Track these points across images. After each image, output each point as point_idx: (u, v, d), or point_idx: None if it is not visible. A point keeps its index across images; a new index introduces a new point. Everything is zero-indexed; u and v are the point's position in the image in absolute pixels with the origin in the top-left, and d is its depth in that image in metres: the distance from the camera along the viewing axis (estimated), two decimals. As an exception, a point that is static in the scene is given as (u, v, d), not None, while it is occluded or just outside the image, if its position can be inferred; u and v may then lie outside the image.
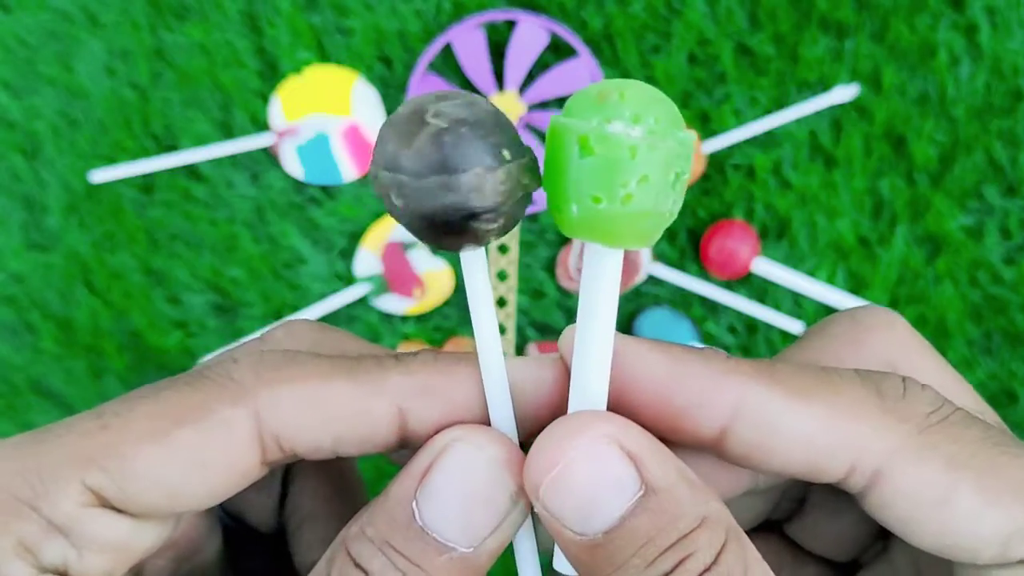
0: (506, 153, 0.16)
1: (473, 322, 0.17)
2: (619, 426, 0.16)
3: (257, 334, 0.20)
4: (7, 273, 0.48)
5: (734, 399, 0.17)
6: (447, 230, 0.16)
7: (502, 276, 0.46)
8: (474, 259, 0.17)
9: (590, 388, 0.17)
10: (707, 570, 0.15)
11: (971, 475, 0.16)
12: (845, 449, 0.16)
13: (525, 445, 0.17)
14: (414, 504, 0.17)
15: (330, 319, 0.47)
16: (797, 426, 0.17)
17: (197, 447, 0.16)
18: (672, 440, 0.17)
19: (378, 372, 0.17)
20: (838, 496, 0.20)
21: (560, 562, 0.18)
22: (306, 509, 0.21)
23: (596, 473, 0.16)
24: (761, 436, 0.17)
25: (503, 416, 0.18)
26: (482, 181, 0.15)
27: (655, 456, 0.16)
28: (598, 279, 0.16)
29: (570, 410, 0.17)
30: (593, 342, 0.17)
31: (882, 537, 0.21)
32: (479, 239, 0.16)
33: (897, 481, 0.16)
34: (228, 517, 0.22)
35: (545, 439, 0.16)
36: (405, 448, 0.18)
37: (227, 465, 0.17)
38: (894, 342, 0.19)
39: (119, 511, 0.16)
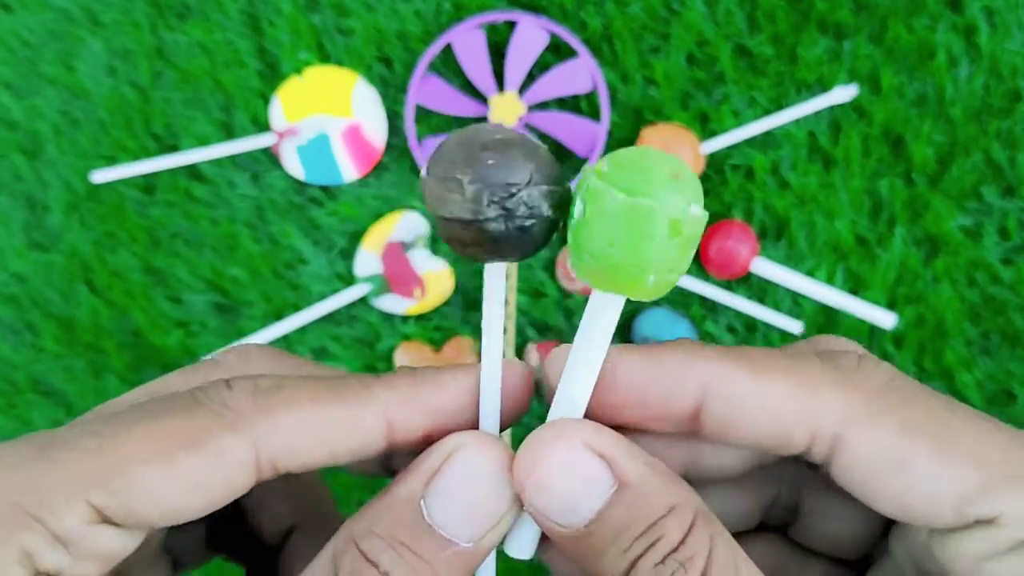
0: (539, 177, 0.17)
1: (483, 335, 0.19)
2: (591, 431, 0.18)
3: (208, 356, 0.21)
4: (8, 272, 0.49)
5: (703, 379, 0.18)
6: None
7: (502, 276, 0.47)
8: (496, 273, 0.19)
9: (573, 400, 0.19)
10: (675, 550, 0.17)
11: (925, 437, 0.17)
12: (806, 418, 0.18)
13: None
14: (422, 503, 0.18)
15: (331, 319, 0.47)
16: (761, 399, 0.18)
17: (199, 470, 0.18)
18: (655, 428, 0.19)
19: (363, 389, 0.19)
20: (829, 497, 0.21)
21: (512, 546, 0.20)
22: (284, 513, 0.23)
23: (573, 474, 0.18)
24: (730, 411, 0.18)
25: (492, 421, 0.19)
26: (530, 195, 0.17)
27: (625, 454, 0.18)
28: (604, 319, 0.18)
29: (551, 416, 0.19)
30: (586, 363, 0.18)
31: (885, 533, 0.21)
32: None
33: (854, 446, 0.17)
34: None
35: (527, 446, 0.18)
36: (391, 455, 0.20)
37: (224, 486, 0.18)
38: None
39: (116, 524, 0.17)
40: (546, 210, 0.17)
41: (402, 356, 0.46)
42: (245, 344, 0.22)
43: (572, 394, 0.19)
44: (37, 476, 0.17)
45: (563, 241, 0.47)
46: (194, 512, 0.18)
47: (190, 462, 0.17)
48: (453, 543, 0.18)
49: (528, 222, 0.17)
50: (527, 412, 0.20)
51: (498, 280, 0.19)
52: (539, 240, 0.18)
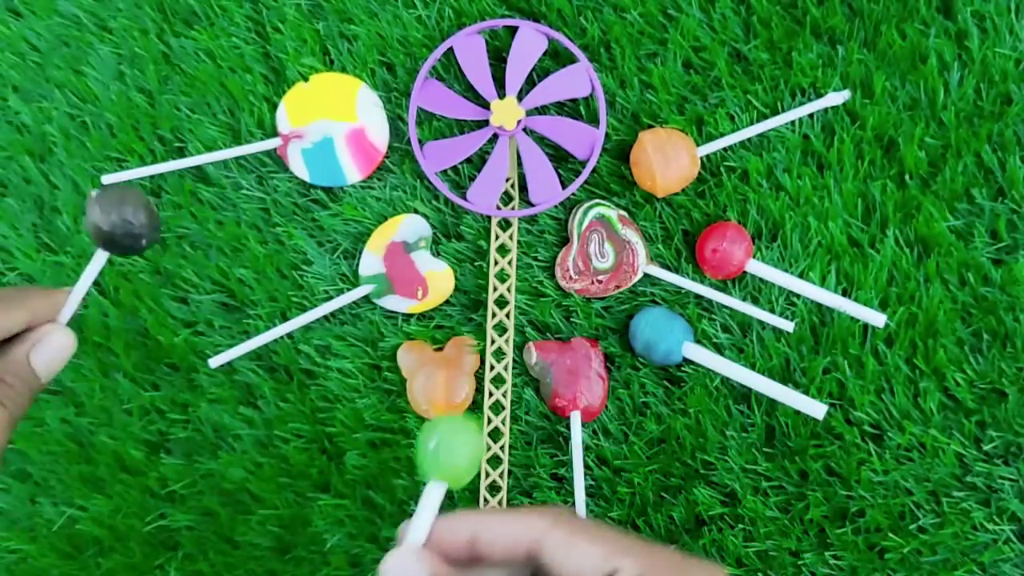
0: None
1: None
2: (422, 551, 0.30)
3: None
4: (18, 273, 0.49)
5: (541, 547, 0.30)
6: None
7: (502, 276, 0.47)
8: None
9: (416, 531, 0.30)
10: None
11: (580, 534, 0.30)
12: (523, 538, 0.30)
13: None
14: (28, 356, 0.34)
15: (335, 318, 0.48)
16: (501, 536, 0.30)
17: None
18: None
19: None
20: None
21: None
22: None
23: (401, 570, 0.29)
24: (557, 560, 0.30)
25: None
26: None
27: (440, 566, 0.30)
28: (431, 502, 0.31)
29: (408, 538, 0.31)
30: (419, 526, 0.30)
31: None
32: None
33: (546, 544, 0.30)
34: None
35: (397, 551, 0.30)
36: None
37: None
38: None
39: None
40: None
41: (404, 355, 0.47)
42: None
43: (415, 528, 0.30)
44: None
45: (562, 240, 0.48)
46: None
47: None
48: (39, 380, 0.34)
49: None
50: None
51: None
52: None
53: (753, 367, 0.46)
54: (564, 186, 0.47)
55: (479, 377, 0.47)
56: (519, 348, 0.47)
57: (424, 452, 0.32)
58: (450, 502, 0.48)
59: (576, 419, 0.45)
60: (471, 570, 0.31)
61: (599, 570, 0.29)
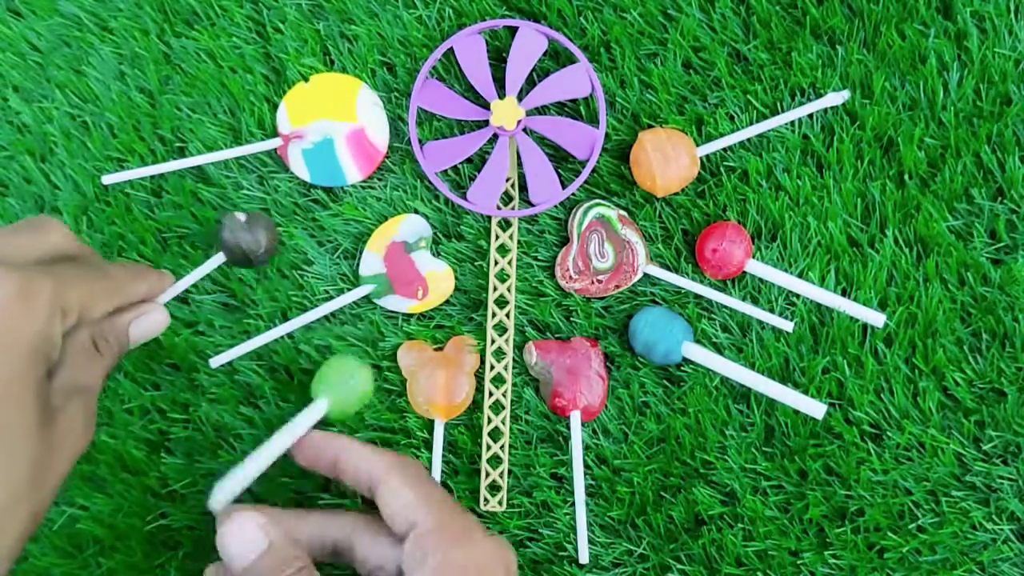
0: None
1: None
2: (258, 513, 0.36)
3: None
4: (19, 273, 0.49)
5: (381, 482, 0.37)
6: None
7: (502, 276, 0.47)
8: None
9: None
10: None
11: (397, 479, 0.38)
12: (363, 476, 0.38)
13: None
14: (130, 327, 0.41)
15: (335, 318, 0.48)
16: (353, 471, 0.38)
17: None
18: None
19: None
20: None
21: (212, 501, 0.37)
22: None
23: (239, 537, 0.36)
24: (385, 496, 0.37)
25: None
26: None
27: (277, 530, 0.36)
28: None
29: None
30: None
31: None
32: None
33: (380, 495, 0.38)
34: None
35: (220, 520, 0.37)
36: None
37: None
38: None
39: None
40: None
41: (405, 354, 0.47)
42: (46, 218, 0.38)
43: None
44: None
45: (562, 240, 0.48)
46: None
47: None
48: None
49: None
50: None
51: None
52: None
53: (753, 367, 0.46)
54: (564, 186, 0.47)
55: (479, 377, 0.47)
56: (519, 348, 0.47)
57: (324, 380, 0.43)
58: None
59: (576, 419, 0.46)
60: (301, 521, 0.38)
61: (406, 519, 0.36)
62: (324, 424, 0.45)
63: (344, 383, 0.43)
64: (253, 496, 0.47)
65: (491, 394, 0.47)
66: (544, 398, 0.47)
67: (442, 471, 0.47)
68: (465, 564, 0.35)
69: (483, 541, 0.36)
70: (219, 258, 0.46)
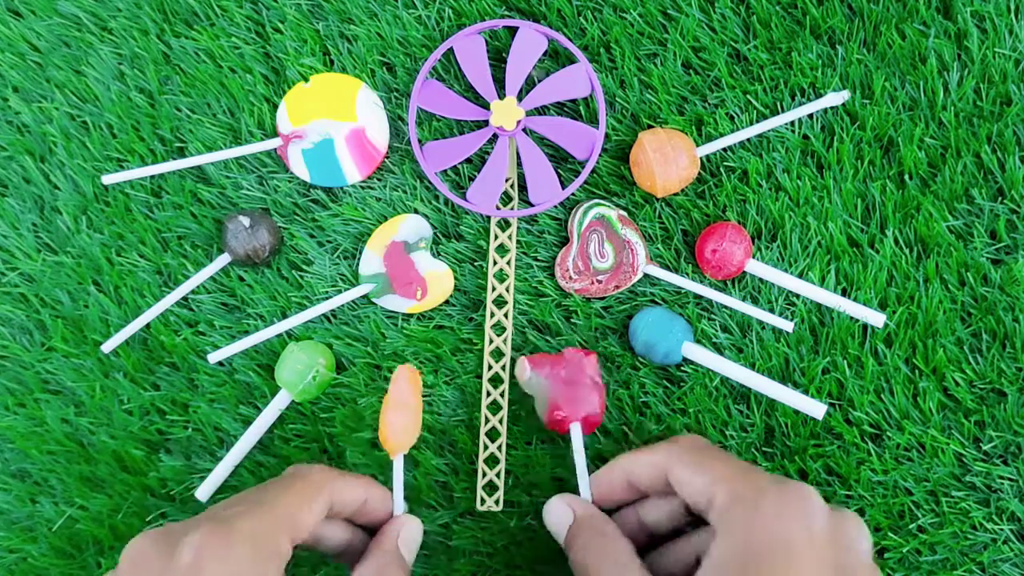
0: None
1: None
2: (569, 496, 0.43)
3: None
4: (19, 273, 0.49)
5: (669, 476, 0.39)
6: None
7: (500, 276, 0.47)
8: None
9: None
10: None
11: (691, 466, 0.39)
12: (659, 469, 0.40)
13: None
14: (399, 543, 0.42)
15: (335, 318, 0.48)
16: (646, 470, 0.41)
17: (322, 510, 0.40)
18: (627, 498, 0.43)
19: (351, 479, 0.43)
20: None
21: (199, 491, 0.47)
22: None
23: (556, 511, 0.42)
24: (679, 487, 0.39)
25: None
26: None
27: (581, 504, 0.42)
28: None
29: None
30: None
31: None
32: None
33: (674, 476, 0.39)
34: None
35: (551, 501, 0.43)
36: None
37: (320, 513, 0.40)
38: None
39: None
40: None
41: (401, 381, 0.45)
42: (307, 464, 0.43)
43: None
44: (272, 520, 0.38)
45: (562, 240, 0.48)
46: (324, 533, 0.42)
47: (320, 506, 0.40)
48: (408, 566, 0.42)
49: None
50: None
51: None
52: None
53: (753, 367, 0.46)
54: (564, 186, 0.47)
55: (478, 377, 0.47)
56: (517, 349, 0.47)
57: (284, 369, 0.46)
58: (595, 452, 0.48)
59: (577, 432, 0.44)
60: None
61: (704, 496, 0.37)
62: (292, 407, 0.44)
63: (302, 373, 0.46)
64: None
65: (488, 394, 0.47)
66: (540, 414, 0.45)
67: (441, 470, 0.47)
68: (763, 538, 0.34)
69: (779, 489, 0.35)
70: (224, 259, 0.47)
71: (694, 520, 0.41)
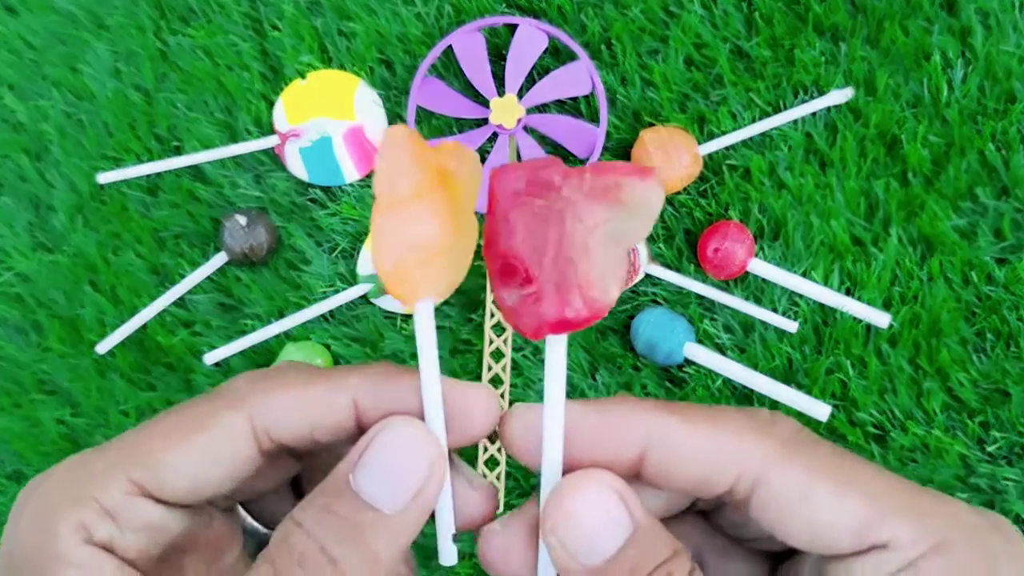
0: None
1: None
2: (612, 477, 0.21)
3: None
4: (14, 273, 0.49)
5: (644, 432, 0.21)
6: None
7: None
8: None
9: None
10: None
11: (827, 477, 0.20)
12: (731, 462, 0.21)
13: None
14: (351, 476, 0.21)
15: (334, 318, 0.48)
16: (693, 447, 0.21)
17: (208, 444, 0.22)
18: None
19: (342, 375, 0.22)
20: (727, 552, 0.25)
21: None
22: None
23: (600, 511, 0.21)
24: (668, 458, 0.21)
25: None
26: None
27: (638, 502, 0.21)
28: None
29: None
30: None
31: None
32: None
33: (770, 485, 0.20)
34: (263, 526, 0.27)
35: (557, 488, 0.21)
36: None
37: (232, 456, 0.22)
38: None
39: (156, 500, 0.21)
40: None
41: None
42: (287, 362, 0.25)
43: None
44: (87, 465, 0.21)
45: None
46: (215, 483, 0.22)
47: (201, 439, 0.22)
48: (377, 509, 0.21)
49: None
50: (488, 429, 0.23)
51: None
52: None
53: (755, 368, 0.46)
54: (564, 185, 0.47)
55: (477, 376, 0.47)
56: (518, 350, 0.47)
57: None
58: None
59: (555, 347, 0.22)
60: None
61: (857, 536, 0.19)
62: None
63: None
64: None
65: (491, 395, 0.46)
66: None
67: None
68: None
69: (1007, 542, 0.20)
70: (221, 258, 0.46)
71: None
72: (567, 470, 0.21)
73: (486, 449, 0.46)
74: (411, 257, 0.21)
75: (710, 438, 0.21)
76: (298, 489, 0.27)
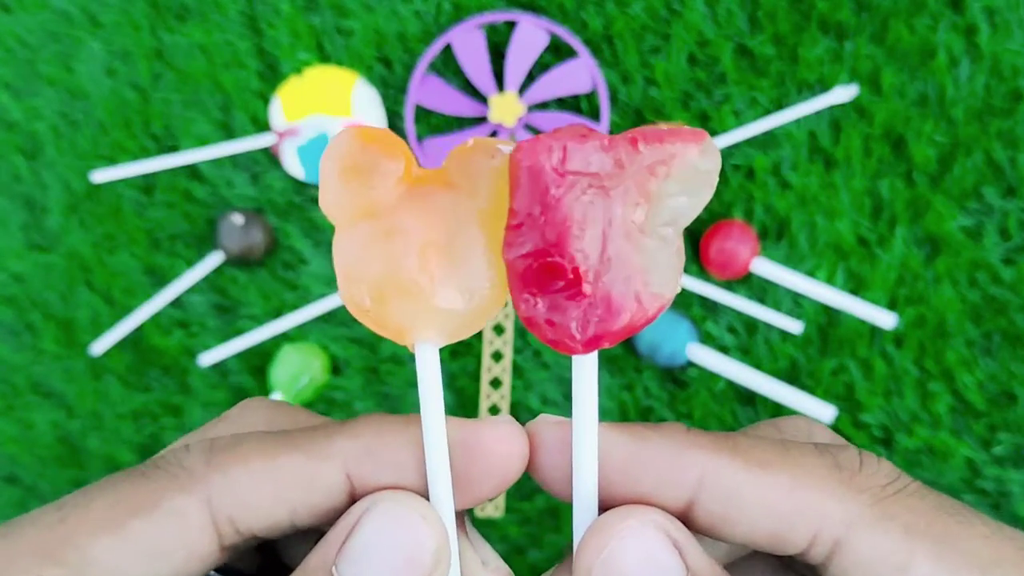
0: None
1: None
2: (664, 515, 0.17)
3: (217, 418, 0.21)
4: (8, 273, 0.48)
5: (697, 473, 0.17)
6: None
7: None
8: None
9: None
10: None
11: (928, 544, 0.16)
12: (806, 518, 0.17)
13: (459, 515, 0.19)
14: (333, 570, 0.17)
15: (332, 319, 0.47)
16: (759, 496, 0.17)
17: (151, 536, 0.17)
18: None
19: (324, 439, 0.18)
20: None
21: None
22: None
23: (646, 558, 0.17)
24: (725, 507, 0.17)
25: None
26: None
27: (694, 545, 0.17)
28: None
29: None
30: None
31: None
32: None
33: (856, 550, 0.17)
34: None
35: (595, 528, 0.17)
36: None
37: (183, 552, 0.17)
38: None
39: None
40: None
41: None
42: (249, 400, 0.21)
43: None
44: None
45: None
46: None
47: (141, 528, 0.17)
48: None
49: None
50: (519, 474, 0.18)
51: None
52: None
53: (759, 369, 0.45)
54: (565, 184, 0.46)
55: (476, 377, 0.46)
56: (518, 351, 0.46)
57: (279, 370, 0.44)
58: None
59: (587, 365, 0.19)
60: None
61: None
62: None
63: (296, 376, 0.45)
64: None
65: (488, 397, 0.46)
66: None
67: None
68: None
69: None
70: (217, 258, 0.46)
71: None
72: (604, 507, 0.17)
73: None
74: (383, 290, 0.18)
75: (780, 487, 0.17)
76: None
